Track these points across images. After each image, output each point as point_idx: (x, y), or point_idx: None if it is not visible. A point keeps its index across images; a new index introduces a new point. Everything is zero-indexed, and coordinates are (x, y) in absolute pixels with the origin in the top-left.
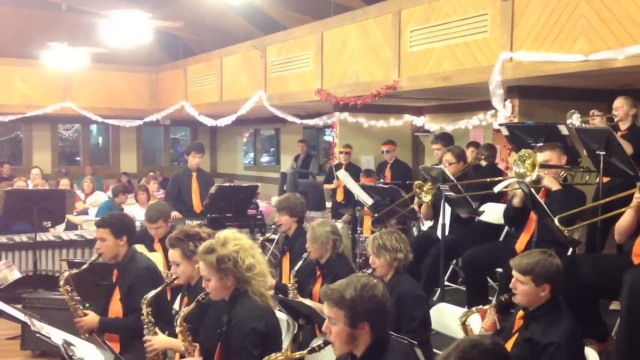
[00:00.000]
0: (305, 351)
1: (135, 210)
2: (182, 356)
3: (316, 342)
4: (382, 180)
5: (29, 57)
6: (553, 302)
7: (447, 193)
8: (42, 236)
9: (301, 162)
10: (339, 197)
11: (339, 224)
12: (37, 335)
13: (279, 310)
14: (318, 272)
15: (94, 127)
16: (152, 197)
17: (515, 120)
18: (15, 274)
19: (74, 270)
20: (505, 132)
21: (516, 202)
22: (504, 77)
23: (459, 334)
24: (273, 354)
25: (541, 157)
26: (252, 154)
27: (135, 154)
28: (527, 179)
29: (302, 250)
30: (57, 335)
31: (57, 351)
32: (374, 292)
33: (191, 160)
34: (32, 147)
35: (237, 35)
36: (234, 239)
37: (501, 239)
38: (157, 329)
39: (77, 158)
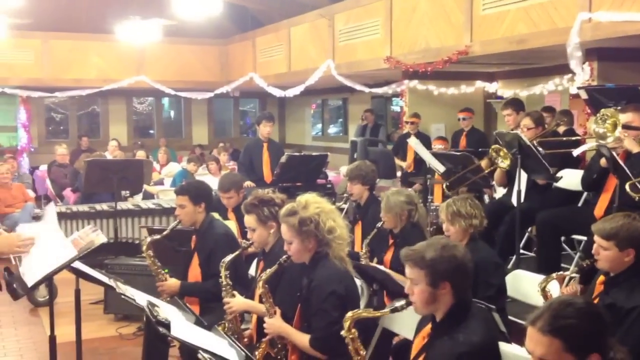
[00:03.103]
0: (387, 310)
1: (208, 180)
2: (259, 318)
3: (398, 302)
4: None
5: (104, 32)
6: (637, 267)
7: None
8: (121, 205)
9: (370, 131)
10: (409, 168)
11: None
12: (122, 297)
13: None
14: (391, 241)
15: (165, 101)
16: (223, 167)
17: (594, 83)
18: (101, 238)
19: (156, 236)
20: (584, 95)
21: (603, 162)
22: (582, 38)
23: (535, 301)
24: (357, 310)
25: (623, 118)
26: (319, 125)
27: (206, 126)
28: (608, 140)
29: (374, 218)
30: (141, 297)
31: (138, 315)
32: (454, 253)
33: (262, 129)
34: (108, 121)
35: (305, 5)
36: (314, 202)
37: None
38: (235, 292)
39: (151, 131)
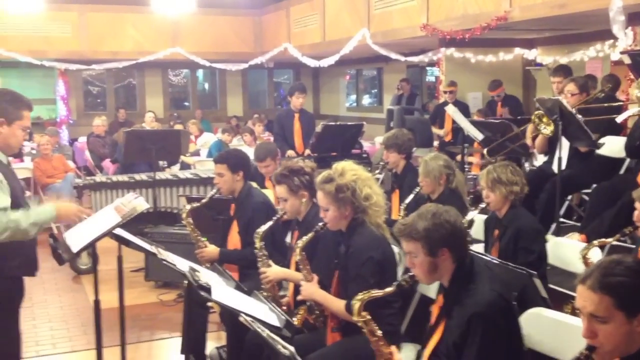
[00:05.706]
0: (392, 287)
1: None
2: (296, 285)
3: (403, 277)
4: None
5: (139, 4)
6: None
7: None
8: (160, 175)
9: (406, 100)
10: (447, 136)
11: None
12: (164, 263)
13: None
14: None
15: (200, 73)
16: (258, 138)
17: (637, 48)
18: (143, 204)
19: (196, 204)
20: (627, 60)
21: None
22: (625, 2)
23: (576, 268)
24: (366, 291)
25: None
26: (354, 96)
27: (241, 97)
28: None
29: (411, 186)
30: (182, 263)
31: (178, 282)
32: (446, 218)
33: (294, 101)
34: (145, 93)
35: None
36: (351, 170)
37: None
38: (270, 262)
39: (186, 103)
